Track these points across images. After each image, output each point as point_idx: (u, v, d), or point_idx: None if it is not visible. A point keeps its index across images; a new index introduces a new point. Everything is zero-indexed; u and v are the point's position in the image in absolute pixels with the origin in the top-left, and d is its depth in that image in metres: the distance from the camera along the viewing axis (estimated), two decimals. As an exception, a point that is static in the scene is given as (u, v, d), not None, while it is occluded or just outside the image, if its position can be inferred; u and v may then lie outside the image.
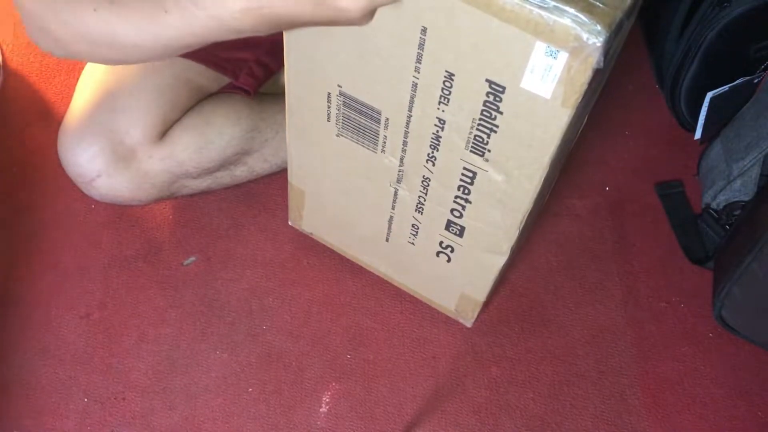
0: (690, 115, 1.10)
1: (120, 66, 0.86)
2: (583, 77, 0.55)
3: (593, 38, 0.52)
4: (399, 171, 0.76)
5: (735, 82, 1.04)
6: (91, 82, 0.86)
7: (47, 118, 1.09)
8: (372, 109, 0.71)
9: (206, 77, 0.90)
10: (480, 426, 0.89)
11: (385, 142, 0.74)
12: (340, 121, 0.75)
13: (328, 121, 0.76)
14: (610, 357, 0.94)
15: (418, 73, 0.64)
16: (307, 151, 0.84)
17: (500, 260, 0.79)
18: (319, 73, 0.71)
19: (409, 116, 0.69)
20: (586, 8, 0.53)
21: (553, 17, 0.53)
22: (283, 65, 0.81)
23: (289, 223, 1.00)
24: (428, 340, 0.94)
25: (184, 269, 0.98)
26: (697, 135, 1.09)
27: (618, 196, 1.08)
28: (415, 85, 0.65)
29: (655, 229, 1.05)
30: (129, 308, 0.95)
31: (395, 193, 0.79)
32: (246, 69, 0.93)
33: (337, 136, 0.77)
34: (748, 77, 1.04)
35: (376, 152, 0.76)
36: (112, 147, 0.83)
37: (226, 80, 0.92)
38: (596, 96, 0.69)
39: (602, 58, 0.53)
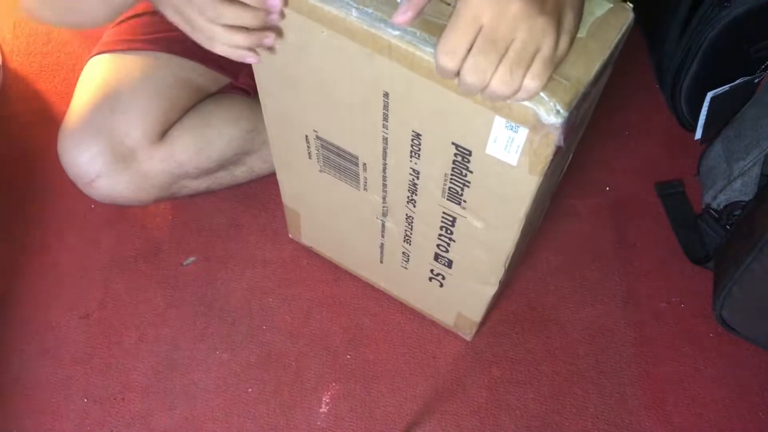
0: (690, 115, 1.10)
1: (120, 66, 0.86)
2: (547, 151, 0.54)
3: (552, 118, 0.51)
4: (383, 207, 0.76)
5: (735, 82, 1.03)
6: (91, 83, 0.86)
7: (47, 118, 1.09)
8: (349, 153, 0.71)
9: (206, 78, 0.90)
10: (480, 426, 0.89)
11: (366, 182, 0.74)
12: (321, 159, 0.75)
13: (310, 158, 0.76)
14: (610, 357, 0.94)
15: (387, 129, 0.64)
16: (294, 180, 0.84)
17: (490, 290, 0.79)
18: (294, 118, 0.72)
19: (385, 164, 0.69)
20: (546, 85, 0.51)
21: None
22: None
23: (289, 236, 1.00)
24: (428, 340, 0.94)
25: (184, 269, 0.98)
26: (698, 135, 1.09)
27: (618, 196, 1.08)
28: (385, 139, 0.65)
29: (655, 229, 1.05)
30: (129, 308, 0.95)
31: (383, 225, 0.80)
32: (246, 69, 0.92)
33: (320, 171, 0.77)
34: (748, 77, 1.03)
35: (358, 190, 0.76)
36: (112, 148, 0.83)
37: (225, 81, 0.92)
38: (584, 126, 0.69)
39: (562, 137, 0.52)
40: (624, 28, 0.54)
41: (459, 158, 0.61)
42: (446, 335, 0.94)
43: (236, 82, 0.93)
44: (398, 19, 0.51)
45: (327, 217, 0.87)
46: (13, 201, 1.02)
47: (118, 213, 1.01)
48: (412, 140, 0.63)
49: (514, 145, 0.55)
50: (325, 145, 0.72)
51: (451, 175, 0.64)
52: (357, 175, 0.73)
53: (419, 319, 0.95)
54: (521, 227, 0.65)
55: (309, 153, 0.75)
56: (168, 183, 0.88)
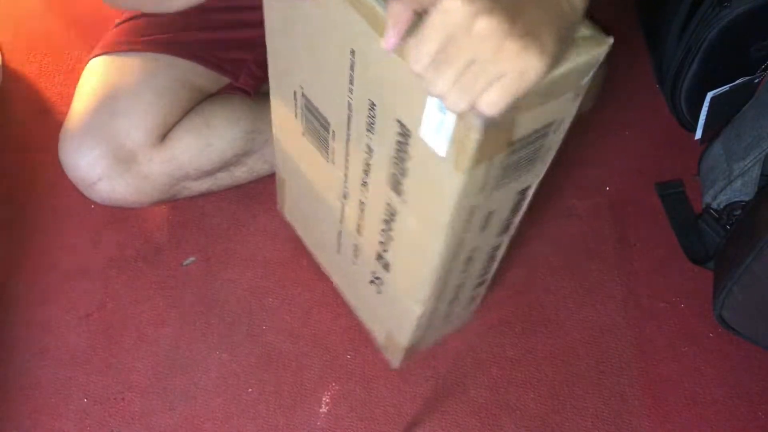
0: (690, 115, 1.10)
1: (120, 68, 0.86)
2: (471, 144, 0.50)
3: None
4: (344, 186, 0.73)
5: (735, 82, 1.04)
6: (91, 85, 0.86)
7: (47, 118, 1.09)
8: (323, 117, 0.69)
9: (206, 78, 0.90)
10: (480, 426, 0.89)
11: (333, 153, 0.72)
12: (303, 120, 0.74)
13: (296, 118, 0.75)
14: (610, 357, 0.94)
15: (352, 94, 0.61)
16: (284, 141, 0.83)
17: (418, 309, 0.74)
18: (288, 70, 0.71)
19: (348, 134, 0.66)
20: None
21: None
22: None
23: (277, 207, 0.99)
24: (428, 340, 0.94)
25: (184, 269, 0.98)
26: (698, 135, 1.09)
27: (618, 196, 1.08)
28: (350, 105, 0.63)
29: (655, 229, 1.05)
30: (129, 308, 0.95)
31: (342, 209, 0.77)
32: (245, 69, 0.92)
33: (302, 134, 0.76)
34: (748, 77, 1.04)
35: (327, 161, 0.73)
36: (113, 151, 0.83)
37: (225, 81, 0.92)
38: (550, 148, 0.61)
39: (482, 129, 0.48)
40: (592, 59, 0.50)
41: (401, 138, 0.57)
42: (446, 335, 0.94)
43: (236, 83, 0.93)
44: (386, 44, 0.49)
45: (302, 189, 0.85)
46: (13, 201, 1.02)
47: (118, 213, 1.01)
48: (369, 110, 0.59)
49: (444, 131, 0.51)
50: (307, 104, 0.70)
51: (394, 158, 0.60)
52: (327, 143, 0.71)
53: (419, 319, 0.95)
54: (448, 239, 0.60)
55: (295, 112, 0.74)
56: (168, 185, 0.89)
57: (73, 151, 0.83)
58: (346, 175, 0.72)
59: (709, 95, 1.04)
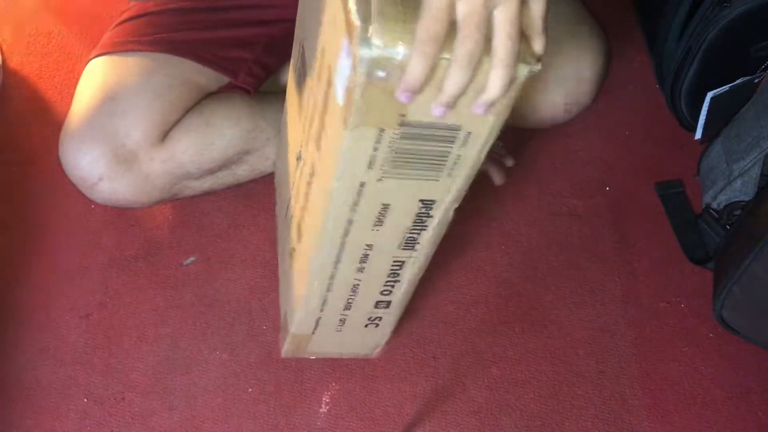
0: (690, 115, 1.10)
1: (119, 68, 0.86)
2: (355, 93, 0.46)
3: (365, 49, 0.43)
4: (301, 144, 0.70)
5: (735, 82, 1.03)
6: (91, 86, 0.86)
7: (47, 118, 1.09)
8: (305, 65, 0.67)
9: (206, 77, 0.90)
10: (480, 426, 0.89)
11: (304, 105, 0.69)
12: (297, 72, 0.72)
13: (295, 70, 0.74)
14: (610, 357, 0.94)
15: (319, 35, 0.59)
16: (287, 99, 0.83)
17: (304, 289, 0.70)
18: (300, 23, 0.71)
19: (311, 86, 0.64)
20: (397, 17, 0.44)
21: (358, 13, 0.44)
22: (282, 64, 0.81)
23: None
24: (428, 340, 0.94)
25: (183, 269, 0.98)
26: (698, 135, 1.09)
27: (618, 196, 1.08)
28: (316, 49, 0.60)
29: (655, 229, 1.05)
30: (129, 308, 0.95)
31: (295, 171, 0.74)
32: (245, 68, 0.92)
33: (295, 88, 0.75)
34: (749, 77, 1.03)
35: (300, 113, 0.71)
36: (113, 150, 0.83)
37: (225, 80, 0.92)
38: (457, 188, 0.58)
39: (366, 77, 0.45)
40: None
41: (327, 87, 0.54)
42: (446, 335, 0.94)
43: (236, 81, 0.92)
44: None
45: (281, 148, 0.83)
46: (13, 201, 1.02)
47: (118, 213, 1.01)
48: (320, 57, 0.57)
49: (345, 77, 0.48)
50: (302, 54, 0.69)
51: (321, 110, 0.57)
52: (303, 94, 0.69)
53: (419, 318, 0.95)
54: (333, 212, 0.57)
55: (295, 64, 0.73)
56: (170, 184, 0.89)
57: (74, 151, 0.83)
58: (304, 128, 0.69)
59: (709, 95, 1.04)
